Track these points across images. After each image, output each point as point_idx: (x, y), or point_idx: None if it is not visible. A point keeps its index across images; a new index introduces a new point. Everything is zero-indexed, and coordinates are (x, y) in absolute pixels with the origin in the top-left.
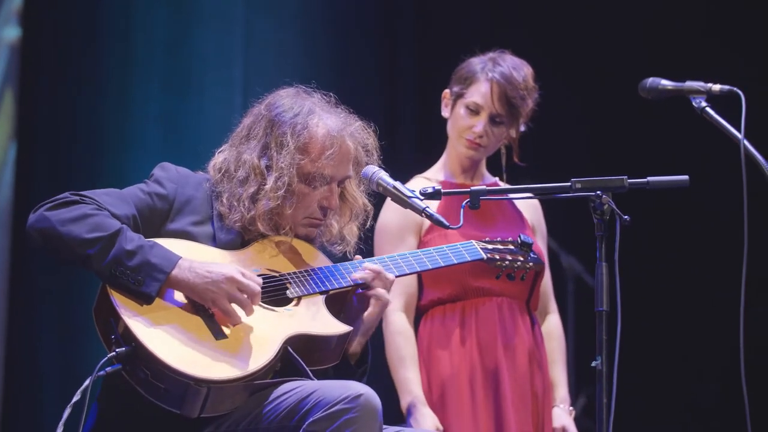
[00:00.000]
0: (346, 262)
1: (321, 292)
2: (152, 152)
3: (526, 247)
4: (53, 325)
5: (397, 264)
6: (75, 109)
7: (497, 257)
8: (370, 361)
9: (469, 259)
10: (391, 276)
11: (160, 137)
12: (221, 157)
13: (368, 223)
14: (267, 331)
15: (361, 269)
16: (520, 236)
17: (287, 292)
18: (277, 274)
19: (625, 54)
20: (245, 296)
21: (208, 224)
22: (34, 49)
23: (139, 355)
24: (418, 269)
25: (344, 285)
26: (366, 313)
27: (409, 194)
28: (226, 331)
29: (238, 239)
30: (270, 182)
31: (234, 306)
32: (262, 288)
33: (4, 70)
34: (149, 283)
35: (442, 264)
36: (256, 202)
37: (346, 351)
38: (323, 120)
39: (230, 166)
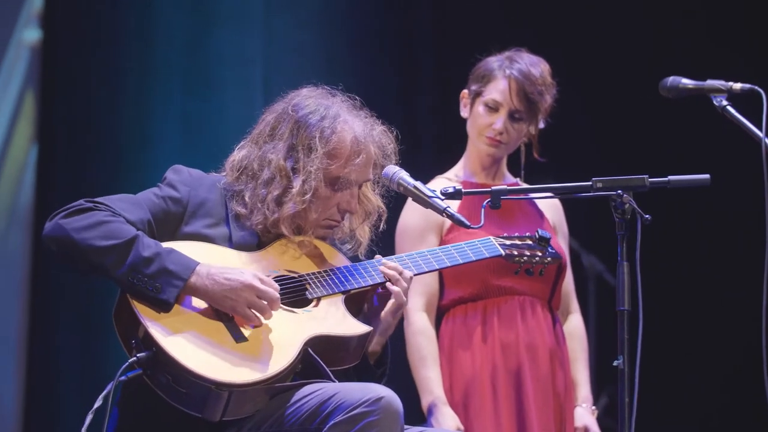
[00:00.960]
0: (365, 261)
1: (340, 293)
2: (172, 153)
3: (544, 241)
4: (73, 327)
5: (415, 262)
6: (95, 111)
7: (515, 253)
8: (389, 362)
9: (487, 255)
10: (408, 273)
11: (179, 138)
12: (241, 153)
13: (381, 225)
14: (287, 333)
15: (379, 267)
16: (537, 231)
17: (306, 293)
18: (296, 275)
19: (642, 52)
20: (264, 303)
21: (224, 225)
22: (55, 51)
23: (159, 360)
24: (437, 267)
25: (363, 285)
26: (384, 312)
27: (430, 194)
28: (246, 334)
29: (254, 239)
30: (297, 185)
31: (253, 311)
32: (282, 290)
33: (24, 72)
34: (167, 290)
35: (461, 261)
36: (282, 204)
37: (365, 351)
38: (350, 124)
39: (253, 165)
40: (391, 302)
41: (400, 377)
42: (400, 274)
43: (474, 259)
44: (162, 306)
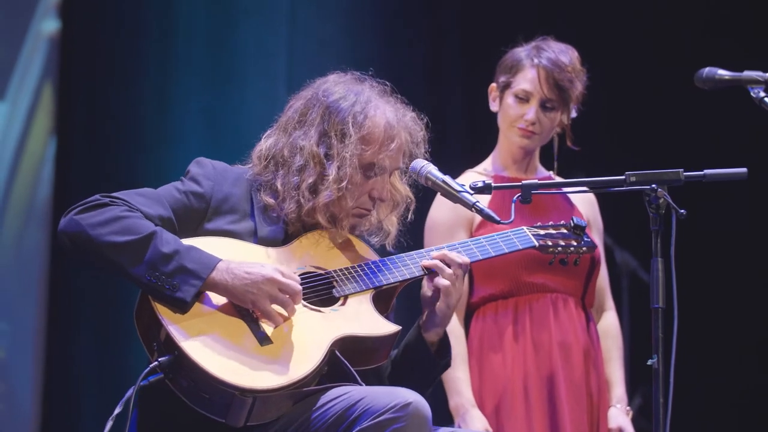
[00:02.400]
0: (394, 256)
1: (368, 290)
2: (193, 148)
3: (579, 230)
4: (93, 326)
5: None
6: (115, 104)
7: (549, 243)
8: (450, 353)
9: (520, 247)
10: (461, 258)
11: (201, 132)
12: (268, 142)
13: (409, 215)
14: (313, 335)
15: (426, 257)
16: (572, 218)
17: (333, 290)
18: (322, 272)
19: (676, 41)
20: (287, 296)
21: (248, 219)
22: (74, 42)
23: (182, 364)
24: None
25: (392, 281)
26: (437, 304)
27: (459, 189)
28: (271, 335)
29: (280, 234)
30: (332, 172)
31: (275, 307)
32: (308, 287)
33: (43, 64)
34: (184, 288)
35: (493, 253)
36: (317, 192)
37: (425, 341)
38: (381, 109)
39: (283, 152)
40: (443, 293)
41: None
42: (448, 263)
43: (507, 251)
44: (179, 305)
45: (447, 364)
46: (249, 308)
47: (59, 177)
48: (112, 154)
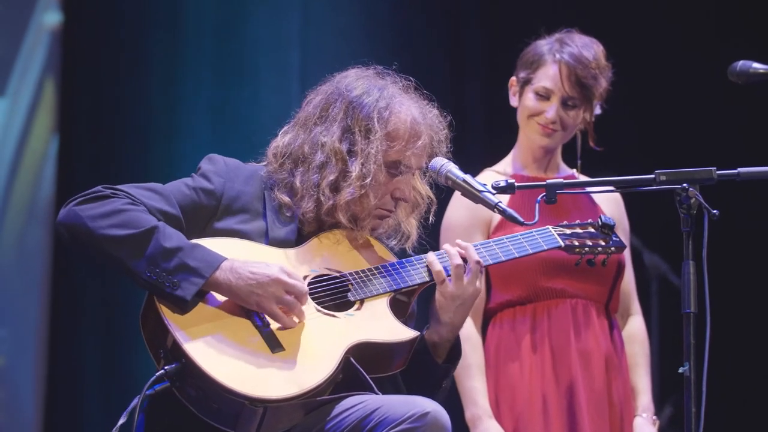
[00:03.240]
0: (412, 258)
1: (385, 293)
2: (202, 145)
3: (607, 228)
4: (97, 330)
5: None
6: (120, 100)
7: (576, 243)
8: (458, 359)
9: (545, 247)
10: (475, 257)
11: (210, 128)
12: (285, 139)
13: (431, 218)
14: (327, 341)
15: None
16: (601, 217)
17: (349, 294)
18: (337, 274)
19: (706, 34)
20: (293, 298)
21: (260, 219)
22: (77, 35)
23: (189, 373)
24: (491, 261)
25: (411, 284)
26: (439, 301)
27: (481, 188)
28: (283, 342)
29: (293, 235)
30: (355, 169)
31: (281, 308)
32: (321, 291)
33: (44, 58)
34: (185, 286)
35: (516, 254)
36: (339, 190)
37: (432, 345)
38: (406, 105)
39: (303, 149)
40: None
41: None
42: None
43: (531, 251)
44: (178, 304)
45: (447, 369)
46: (254, 310)
47: (62, 176)
48: (117, 152)
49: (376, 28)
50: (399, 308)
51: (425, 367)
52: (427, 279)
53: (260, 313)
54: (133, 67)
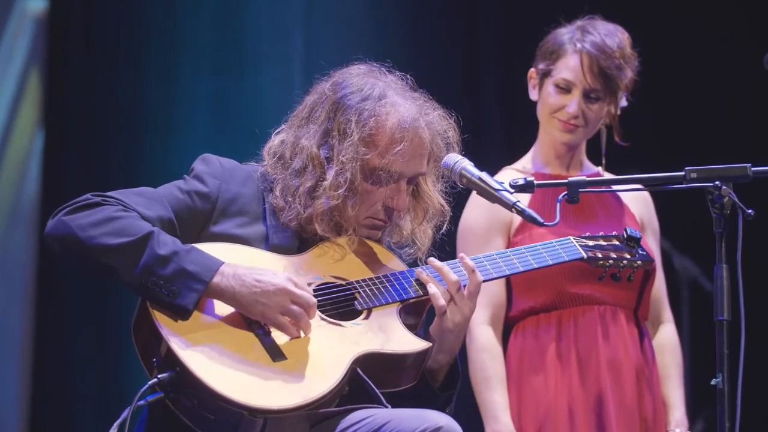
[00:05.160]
0: (424, 266)
1: (395, 303)
2: (201, 139)
3: (633, 242)
4: (86, 337)
5: (482, 267)
6: (112, 92)
7: (599, 255)
8: (458, 384)
9: (566, 259)
10: (477, 278)
11: (209, 122)
12: (278, 139)
13: (444, 227)
14: (332, 350)
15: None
16: (626, 230)
17: (355, 302)
18: (343, 282)
19: (740, 24)
20: (300, 310)
21: (260, 223)
22: (63, 22)
23: (184, 382)
24: (507, 272)
25: (422, 293)
26: (446, 326)
27: (498, 187)
28: (285, 350)
29: (295, 240)
30: (330, 177)
31: (287, 319)
32: (326, 299)
33: (28, 47)
34: (185, 294)
35: (536, 266)
36: (314, 199)
37: (427, 371)
38: (396, 107)
39: (285, 152)
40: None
41: (461, 399)
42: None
43: (551, 263)
44: (180, 313)
45: (449, 399)
46: (256, 320)
47: (48, 173)
48: (108, 148)
49: (384, 16)
50: (410, 319)
51: (426, 397)
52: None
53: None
54: (126, 56)
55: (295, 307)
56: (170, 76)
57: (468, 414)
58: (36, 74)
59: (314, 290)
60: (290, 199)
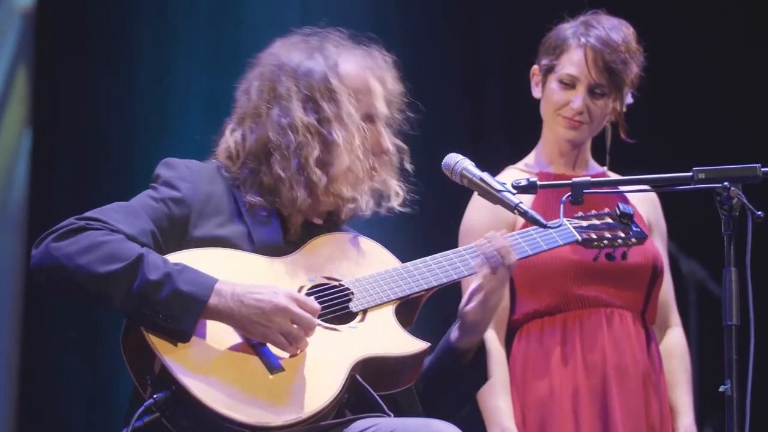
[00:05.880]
0: (417, 260)
1: (390, 302)
2: (194, 139)
3: (626, 218)
4: (78, 350)
5: (466, 259)
6: (102, 90)
7: (593, 236)
8: (489, 361)
9: (561, 243)
10: (512, 258)
11: (203, 122)
12: (236, 136)
13: (408, 167)
14: (330, 358)
15: (455, 260)
16: (618, 206)
17: (350, 304)
18: (336, 283)
19: (747, 20)
20: (300, 331)
21: (237, 220)
22: (52, 18)
23: (181, 401)
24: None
25: (417, 290)
26: (472, 307)
27: (500, 187)
28: (282, 362)
29: (278, 235)
30: (337, 136)
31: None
32: (320, 302)
33: (15, 43)
34: (184, 318)
35: (530, 252)
36: (329, 164)
37: (456, 350)
38: (352, 57)
39: (266, 139)
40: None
41: None
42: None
43: (546, 248)
44: (179, 337)
45: (484, 378)
46: (257, 340)
47: (36, 175)
48: (99, 148)
49: (384, 11)
50: (404, 317)
51: (456, 377)
52: (435, 284)
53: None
54: (118, 54)
55: (295, 328)
56: (163, 74)
57: (470, 419)
58: (24, 71)
59: (307, 293)
60: (298, 177)
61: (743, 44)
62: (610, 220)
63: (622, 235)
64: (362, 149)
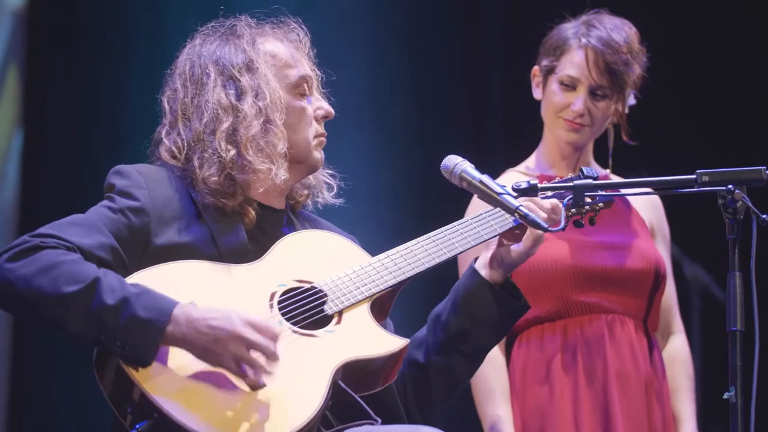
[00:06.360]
0: (387, 253)
1: (364, 300)
2: None
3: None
4: (69, 365)
5: (430, 252)
6: (95, 90)
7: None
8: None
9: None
10: (551, 203)
11: None
12: (171, 139)
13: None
14: (310, 366)
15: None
16: (582, 169)
17: (325, 307)
18: (308, 286)
19: (752, 19)
20: (255, 359)
21: (198, 223)
22: (43, 17)
23: (165, 429)
24: (460, 249)
25: (390, 284)
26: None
27: (500, 190)
28: (264, 377)
29: (239, 231)
30: (248, 102)
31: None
32: (294, 308)
33: (6, 43)
34: (142, 345)
35: (486, 237)
36: (235, 135)
37: (488, 282)
38: (268, 33)
39: (195, 126)
40: (526, 238)
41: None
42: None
43: (500, 231)
44: (138, 363)
45: (526, 305)
46: (215, 367)
47: (27, 176)
48: (91, 149)
49: (382, 9)
50: (380, 311)
51: (493, 309)
52: (406, 276)
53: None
54: (110, 53)
55: (251, 355)
56: (157, 74)
57: (469, 426)
58: (14, 71)
59: (279, 300)
60: (212, 156)
61: (749, 45)
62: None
63: (588, 200)
64: (280, 115)
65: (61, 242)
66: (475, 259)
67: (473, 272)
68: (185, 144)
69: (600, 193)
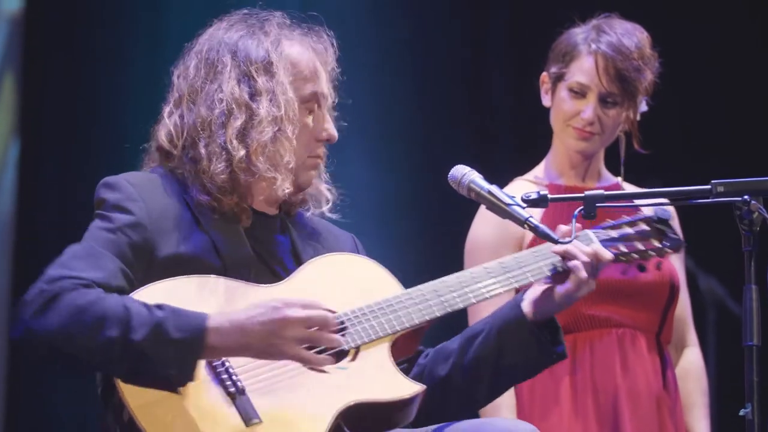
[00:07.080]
0: (421, 287)
1: (385, 337)
2: None
3: (663, 224)
4: (68, 381)
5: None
6: (93, 97)
7: (623, 249)
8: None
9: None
10: (594, 250)
11: None
12: (172, 120)
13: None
14: (313, 404)
15: (463, 291)
16: (655, 211)
17: (342, 340)
18: None
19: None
20: (317, 329)
21: (197, 231)
22: (41, 23)
23: None
24: (515, 285)
25: (416, 322)
26: (558, 294)
27: (509, 201)
28: (261, 410)
29: (244, 247)
30: (263, 106)
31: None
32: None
33: (2, 49)
34: (183, 368)
35: (549, 274)
36: (248, 136)
37: (528, 320)
38: (295, 36)
39: (200, 116)
40: (568, 283)
41: None
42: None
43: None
44: (179, 385)
45: (563, 354)
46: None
47: (23, 187)
48: (90, 158)
49: (385, 10)
50: (406, 346)
51: (528, 349)
52: (438, 314)
53: (232, 375)
54: (109, 59)
55: (313, 331)
56: (157, 79)
57: None
58: (11, 79)
59: None
60: (220, 150)
61: (749, 45)
62: (644, 227)
63: (657, 244)
64: (292, 128)
65: (75, 281)
66: (525, 290)
67: (515, 305)
68: (186, 128)
69: (671, 235)
